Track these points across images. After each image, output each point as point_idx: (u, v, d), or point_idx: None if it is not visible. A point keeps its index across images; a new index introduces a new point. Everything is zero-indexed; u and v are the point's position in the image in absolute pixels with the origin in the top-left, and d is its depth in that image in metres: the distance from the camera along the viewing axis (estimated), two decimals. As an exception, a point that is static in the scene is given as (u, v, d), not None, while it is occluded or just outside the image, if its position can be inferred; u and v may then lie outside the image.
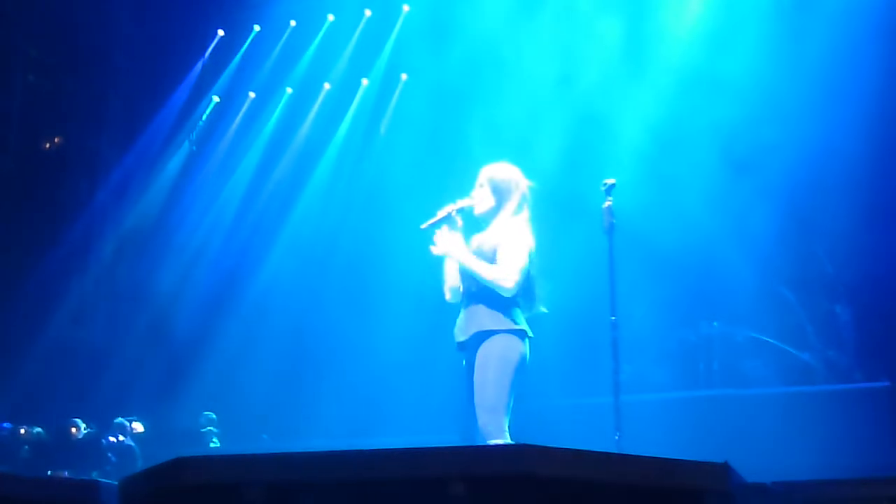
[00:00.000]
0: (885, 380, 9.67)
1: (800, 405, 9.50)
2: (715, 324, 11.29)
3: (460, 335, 6.74)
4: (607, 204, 7.42)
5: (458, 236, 6.81)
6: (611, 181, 7.45)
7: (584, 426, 9.09)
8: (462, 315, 6.78)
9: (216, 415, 12.67)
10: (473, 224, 6.95)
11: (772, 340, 11.11)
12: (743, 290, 11.19)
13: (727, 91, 11.37)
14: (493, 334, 6.57)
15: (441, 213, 6.85)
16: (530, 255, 6.72)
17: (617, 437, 7.25)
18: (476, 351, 6.59)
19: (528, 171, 6.79)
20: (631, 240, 8.15)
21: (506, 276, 6.61)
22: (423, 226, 6.87)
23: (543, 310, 6.85)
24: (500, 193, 6.87)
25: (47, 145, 15.85)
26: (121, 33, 15.15)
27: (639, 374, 10.91)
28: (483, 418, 6.47)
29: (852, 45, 10.83)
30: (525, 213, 6.86)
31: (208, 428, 12.43)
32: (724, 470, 3.58)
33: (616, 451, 6.51)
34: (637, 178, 10.49)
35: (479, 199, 6.88)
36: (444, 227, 6.82)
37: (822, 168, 10.85)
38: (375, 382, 12.71)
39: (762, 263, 11.21)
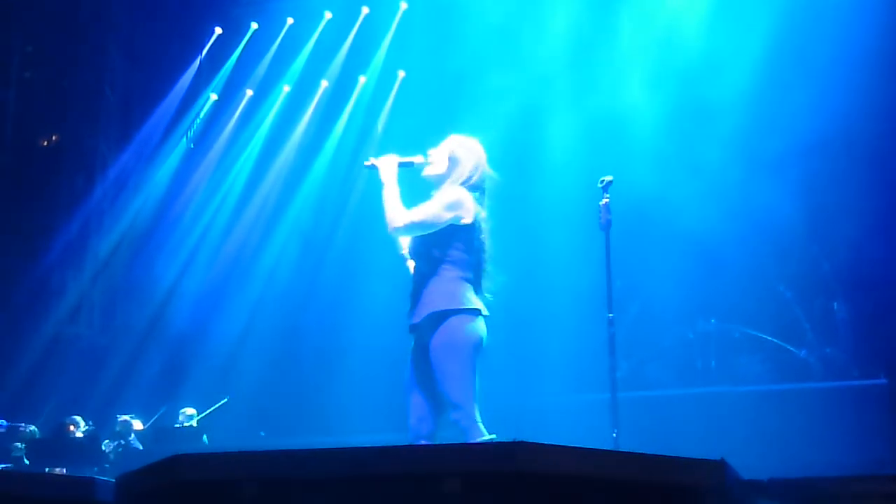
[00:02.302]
0: (881, 377, 9.67)
1: (797, 402, 9.50)
2: (712, 321, 11.30)
3: (412, 317, 6.51)
4: (604, 201, 7.41)
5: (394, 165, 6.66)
6: (608, 178, 7.44)
7: (581, 423, 9.07)
8: (412, 296, 6.58)
9: (211, 411, 12.66)
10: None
11: (769, 338, 11.11)
12: (740, 287, 11.20)
13: (725, 88, 11.37)
14: (448, 316, 6.36)
15: (385, 159, 6.70)
16: (451, 221, 6.52)
17: (614, 435, 7.25)
18: (430, 333, 6.37)
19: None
20: (628, 237, 8.15)
21: (400, 217, 6.45)
22: (367, 163, 6.76)
23: (488, 296, 6.66)
24: (455, 163, 6.67)
25: (44, 142, 15.84)
26: (118, 30, 15.16)
27: (636, 370, 10.93)
28: (453, 414, 6.27)
29: (857, 41, 10.82)
30: (470, 193, 6.66)
31: (192, 424, 12.43)
32: (720, 466, 3.57)
33: (613, 448, 6.51)
34: (634, 176, 10.47)
35: (433, 160, 6.70)
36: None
37: (818, 166, 10.86)
38: (372, 378, 12.71)
39: (759, 261, 11.21)
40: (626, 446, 5.85)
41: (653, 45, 12.09)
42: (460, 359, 6.30)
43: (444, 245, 6.46)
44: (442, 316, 6.32)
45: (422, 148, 6.79)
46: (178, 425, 12.47)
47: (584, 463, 3.50)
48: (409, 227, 6.44)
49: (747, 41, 11.41)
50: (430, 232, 6.45)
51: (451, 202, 6.45)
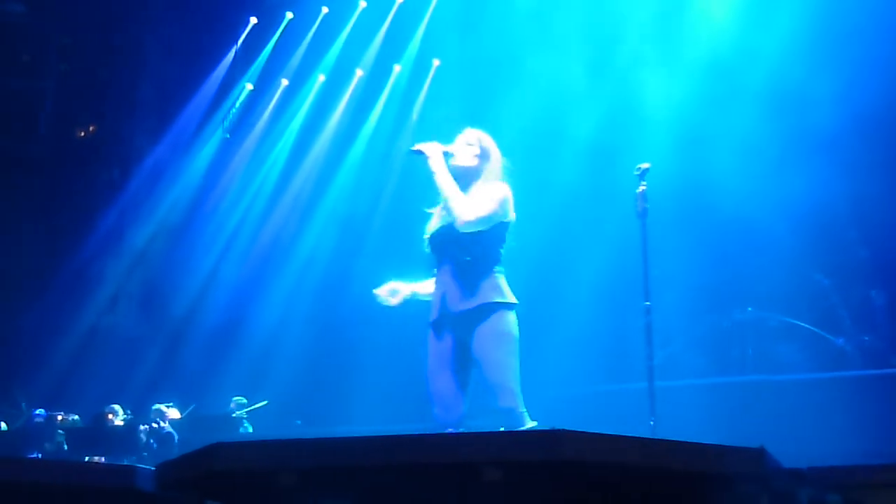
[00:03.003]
0: (920, 364, 9.63)
1: (834, 390, 9.44)
2: (749, 309, 11.24)
3: (458, 304, 6.53)
4: (641, 189, 7.39)
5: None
6: (645, 165, 7.41)
7: (618, 412, 9.06)
8: (451, 284, 6.60)
9: (248, 400, 12.71)
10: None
11: (806, 325, 11.05)
12: (777, 274, 11.14)
13: (762, 70, 11.29)
14: (498, 308, 6.45)
15: (430, 145, 6.73)
16: (502, 218, 6.58)
17: (652, 423, 7.24)
18: (478, 323, 6.43)
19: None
20: (664, 224, 8.13)
21: (471, 209, 6.49)
22: (414, 148, 6.78)
23: None
24: (487, 157, 6.75)
25: (81, 133, 15.94)
26: (153, 21, 15.21)
27: (673, 359, 10.89)
28: (506, 401, 6.36)
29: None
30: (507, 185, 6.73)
31: (240, 413, 12.48)
32: (760, 454, 3.56)
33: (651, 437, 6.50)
34: (669, 162, 10.43)
35: (464, 152, 6.74)
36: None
37: (856, 151, 10.77)
38: (407, 368, 12.73)
39: (796, 248, 11.14)
40: (664, 435, 5.85)
41: (689, 27, 11.98)
42: (512, 349, 6.50)
43: (491, 240, 6.56)
44: (493, 307, 6.45)
45: (452, 138, 6.83)
46: (228, 414, 12.52)
47: (624, 451, 3.49)
48: (478, 222, 6.55)
49: (788, 21, 11.29)
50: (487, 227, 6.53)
51: (505, 199, 6.59)
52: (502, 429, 6.29)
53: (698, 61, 11.76)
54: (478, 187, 6.67)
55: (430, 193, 6.75)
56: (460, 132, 6.83)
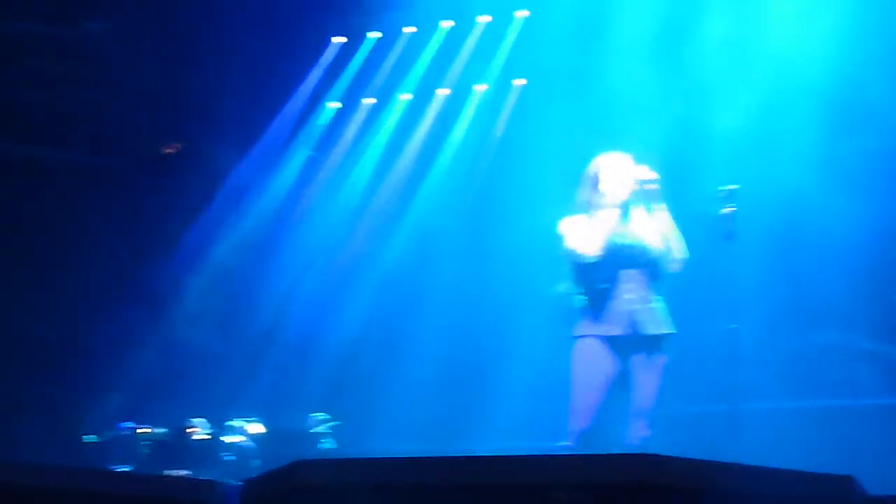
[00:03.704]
0: None
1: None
2: (831, 332, 11.12)
3: (650, 327, 6.58)
4: (728, 211, 7.32)
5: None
6: (731, 187, 7.35)
7: (700, 435, 8.98)
8: (640, 306, 6.62)
9: (328, 416, 12.76)
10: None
11: (892, 348, 10.91)
12: (860, 295, 10.99)
13: (839, 90, 11.14)
14: (671, 339, 6.56)
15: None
16: None
17: (733, 447, 7.17)
18: (658, 349, 6.50)
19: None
20: (744, 246, 8.06)
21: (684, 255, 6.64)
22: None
23: None
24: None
25: (165, 150, 16.11)
26: (239, 39, 15.35)
27: (753, 382, 10.79)
28: (646, 428, 6.41)
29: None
30: None
31: (319, 429, 12.53)
32: (848, 482, 3.52)
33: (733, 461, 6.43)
34: (746, 180, 10.34)
35: (655, 184, 6.80)
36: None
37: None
38: (480, 384, 12.77)
39: (881, 268, 10.99)
40: (747, 459, 5.79)
41: (785, 47, 11.79)
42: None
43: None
44: (670, 339, 6.47)
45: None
46: (308, 429, 12.58)
47: (711, 475, 3.47)
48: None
49: (872, 34, 11.14)
50: None
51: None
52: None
53: (772, 74, 11.61)
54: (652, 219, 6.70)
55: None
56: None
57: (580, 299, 6.82)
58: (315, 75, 15.11)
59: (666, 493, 3.35)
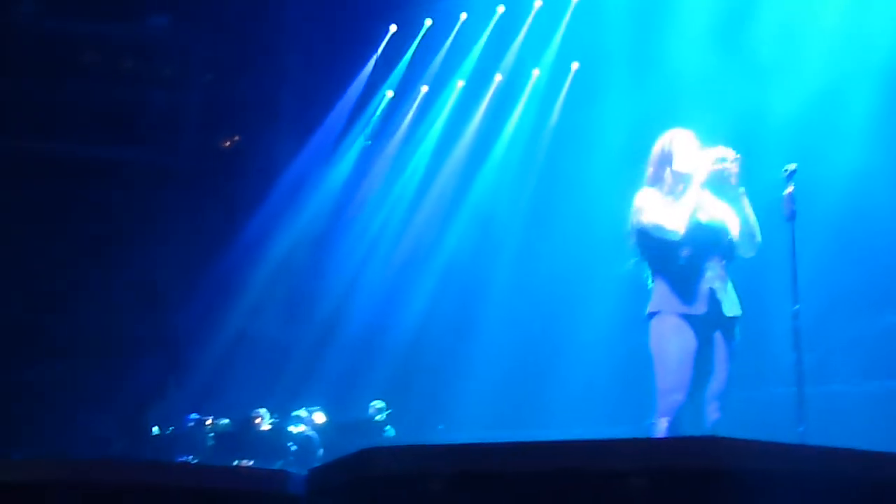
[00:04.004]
0: None
1: None
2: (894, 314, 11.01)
3: (730, 309, 6.61)
4: (789, 191, 7.24)
5: None
6: (792, 167, 7.26)
7: (765, 418, 8.92)
8: (727, 287, 6.65)
9: (390, 405, 12.79)
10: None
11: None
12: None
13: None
14: (741, 321, 6.60)
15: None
16: None
17: (801, 430, 7.10)
18: (735, 329, 6.52)
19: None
20: (811, 225, 7.97)
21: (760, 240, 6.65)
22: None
23: None
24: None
25: (224, 144, 16.22)
26: (293, 31, 15.41)
27: (821, 364, 10.69)
28: (722, 402, 6.42)
29: None
30: None
31: (380, 417, 12.58)
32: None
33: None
34: (815, 164, 10.24)
35: (736, 164, 6.79)
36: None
37: None
38: (541, 373, 12.76)
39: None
40: (814, 442, 5.74)
41: (862, 29, 11.64)
42: None
43: None
44: (742, 321, 6.45)
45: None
46: (369, 418, 12.62)
47: (781, 458, 3.42)
48: None
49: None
50: None
51: None
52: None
53: (834, 56, 11.48)
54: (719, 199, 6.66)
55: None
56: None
57: (658, 276, 6.77)
58: (370, 65, 15.13)
59: (738, 478, 3.32)
